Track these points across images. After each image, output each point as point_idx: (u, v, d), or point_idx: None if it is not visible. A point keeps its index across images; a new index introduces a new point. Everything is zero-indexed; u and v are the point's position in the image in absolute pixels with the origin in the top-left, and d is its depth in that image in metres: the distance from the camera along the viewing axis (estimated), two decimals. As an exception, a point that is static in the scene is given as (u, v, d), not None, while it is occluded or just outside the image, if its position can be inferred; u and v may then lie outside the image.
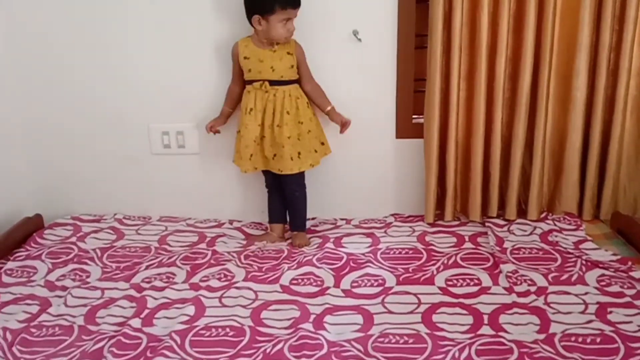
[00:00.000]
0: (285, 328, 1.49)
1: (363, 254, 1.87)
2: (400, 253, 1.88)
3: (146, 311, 1.57)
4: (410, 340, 1.42)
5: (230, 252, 1.92)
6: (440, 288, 1.65)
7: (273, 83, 1.89)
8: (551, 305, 1.53)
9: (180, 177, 2.23)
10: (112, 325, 1.52)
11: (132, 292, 1.68)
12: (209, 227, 2.17)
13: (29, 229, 2.08)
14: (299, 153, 1.94)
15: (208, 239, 2.06)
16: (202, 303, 1.61)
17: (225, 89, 2.04)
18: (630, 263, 1.70)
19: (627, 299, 1.54)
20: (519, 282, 1.64)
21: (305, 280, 1.73)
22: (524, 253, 1.83)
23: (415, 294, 1.63)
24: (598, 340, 1.38)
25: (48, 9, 2.06)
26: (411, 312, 1.54)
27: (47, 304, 1.64)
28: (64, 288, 1.72)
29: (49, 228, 2.11)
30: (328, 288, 1.68)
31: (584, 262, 1.74)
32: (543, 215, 2.07)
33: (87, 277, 1.79)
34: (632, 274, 1.65)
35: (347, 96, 2.05)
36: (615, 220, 2.01)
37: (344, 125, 2.01)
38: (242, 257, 1.89)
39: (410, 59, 2.05)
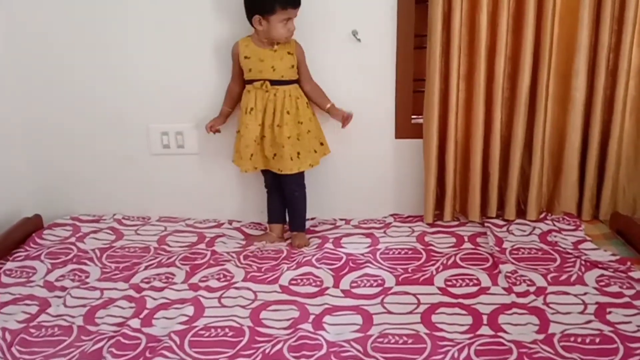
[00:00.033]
0: (285, 328, 1.49)
1: (362, 254, 1.87)
2: (399, 253, 1.88)
3: (145, 311, 1.57)
4: (410, 341, 1.42)
5: (230, 253, 1.92)
6: (439, 288, 1.65)
7: (274, 83, 1.89)
8: (550, 305, 1.54)
9: (180, 177, 2.23)
10: (111, 325, 1.52)
11: (132, 293, 1.68)
12: (208, 227, 2.17)
13: (28, 229, 2.07)
14: (299, 153, 1.94)
15: (207, 239, 2.06)
16: (201, 303, 1.61)
17: (225, 89, 2.04)
18: (629, 263, 1.70)
19: (626, 299, 1.54)
20: (518, 283, 1.64)
21: (305, 280, 1.73)
22: (523, 253, 1.83)
23: (414, 294, 1.63)
24: (597, 340, 1.39)
25: (48, 9, 2.06)
26: (410, 313, 1.54)
27: (46, 304, 1.64)
28: (63, 288, 1.72)
29: (48, 228, 2.10)
30: (327, 288, 1.68)
31: (583, 262, 1.74)
32: (542, 215, 2.07)
33: (86, 277, 1.79)
34: (631, 274, 1.65)
35: (346, 96, 2.05)
36: (614, 221, 2.01)
37: (345, 119, 2.01)
38: (241, 257, 1.89)
39: (409, 59, 2.05)
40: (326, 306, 1.58)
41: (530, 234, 1.96)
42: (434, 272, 1.74)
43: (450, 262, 1.80)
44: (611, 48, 1.90)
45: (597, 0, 1.86)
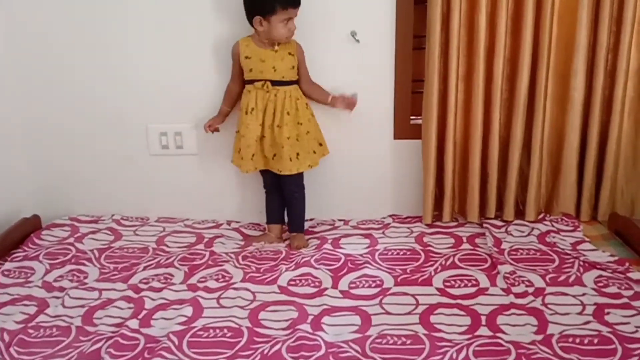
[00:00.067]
0: (283, 329, 1.49)
1: (361, 255, 1.87)
2: (398, 254, 1.88)
3: (144, 312, 1.57)
4: (408, 341, 1.42)
5: (228, 253, 1.92)
6: (438, 289, 1.65)
7: (274, 83, 1.89)
8: (549, 306, 1.54)
9: (179, 177, 2.23)
10: (109, 326, 1.52)
11: (130, 293, 1.68)
12: (206, 227, 2.17)
13: (27, 230, 2.07)
14: (298, 154, 1.94)
15: (206, 239, 2.05)
16: (199, 304, 1.61)
17: (225, 90, 2.04)
18: (627, 264, 1.71)
19: (625, 300, 1.54)
20: (516, 283, 1.64)
21: (303, 281, 1.73)
22: (521, 254, 1.83)
23: (413, 295, 1.63)
24: (595, 341, 1.39)
25: (48, 9, 2.06)
26: (409, 313, 1.54)
27: (45, 304, 1.63)
28: (62, 289, 1.72)
29: (47, 229, 2.10)
30: (326, 289, 1.68)
31: (581, 263, 1.74)
32: (541, 216, 2.07)
33: (85, 278, 1.79)
34: (629, 275, 1.65)
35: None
36: (612, 222, 2.01)
37: (349, 105, 2.00)
38: (240, 258, 1.89)
39: (408, 60, 2.05)
40: (325, 307, 1.58)
41: (528, 234, 1.96)
42: (433, 273, 1.74)
43: (448, 262, 1.80)
44: (610, 48, 1.90)
45: (595, 1, 1.86)
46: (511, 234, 1.97)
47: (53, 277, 1.79)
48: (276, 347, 1.41)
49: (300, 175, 2.01)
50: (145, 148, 2.20)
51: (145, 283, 1.74)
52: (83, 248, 1.98)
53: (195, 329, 1.49)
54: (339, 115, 2.08)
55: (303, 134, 1.95)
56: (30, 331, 1.50)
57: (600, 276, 1.67)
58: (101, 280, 1.77)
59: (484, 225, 2.03)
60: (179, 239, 2.07)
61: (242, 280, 1.73)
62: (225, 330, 1.49)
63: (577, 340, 1.39)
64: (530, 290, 1.61)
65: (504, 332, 1.44)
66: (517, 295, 1.59)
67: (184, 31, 2.05)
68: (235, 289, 1.69)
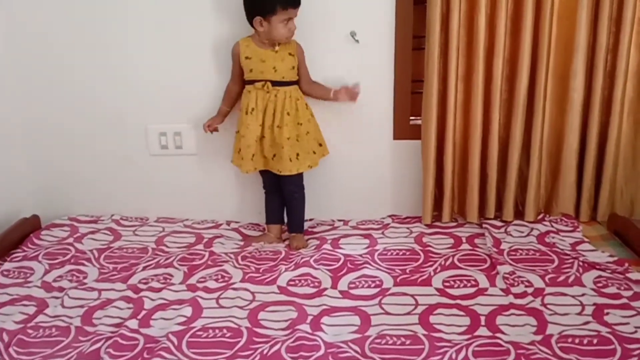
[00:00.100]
0: (283, 329, 1.49)
1: (360, 255, 1.87)
2: (397, 254, 1.88)
3: (143, 312, 1.57)
4: (408, 342, 1.42)
5: (228, 253, 1.92)
6: (437, 289, 1.65)
7: (275, 84, 1.89)
8: (548, 306, 1.54)
9: (178, 178, 2.23)
10: (109, 326, 1.52)
11: (129, 293, 1.68)
12: (206, 228, 2.17)
13: (26, 230, 2.07)
14: (298, 154, 1.94)
15: (205, 240, 2.05)
16: (199, 304, 1.61)
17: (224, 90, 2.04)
18: (626, 264, 1.71)
19: (624, 300, 1.54)
20: (516, 284, 1.64)
21: (303, 281, 1.73)
22: (521, 254, 1.83)
23: (412, 295, 1.63)
24: (595, 341, 1.39)
25: (48, 9, 2.06)
26: (408, 314, 1.54)
27: (44, 305, 1.63)
28: (61, 289, 1.72)
29: (46, 229, 2.10)
30: (325, 289, 1.68)
31: (580, 263, 1.74)
32: (540, 216, 2.07)
33: (84, 278, 1.79)
34: (628, 275, 1.65)
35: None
36: (612, 222, 2.01)
37: (353, 95, 1.99)
38: (239, 258, 1.89)
39: (407, 61, 2.05)
40: (324, 307, 1.58)
41: (528, 235, 1.96)
42: (432, 273, 1.74)
43: (448, 263, 1.80)
44: (609, 49, 1.90)
45: (595, 1, 1.87)
46: (510, 235, 1.97)
47: (52, 277, 1.79)
48: (275, 347, 1.41)
49: (300, 176, 2.01)
50: (145, 148, 2.20)
51: (145, 283, 1.74)
52: (82, 248, 1.98)
53: (195, 329, 1.49)
54: (338, 116, 2.09)
55: (303, 134, 1.95)
56: (30, 331, 1.50)
57: (600, 276, 1.67)
58: (100, 280, 1.77)
59: (484, 225, 2.04)
60: (179, 239, 2.07)
61: (242, 281, 1.73)
62: (225, 331, 1.49)
63: (577, 341, 1.39)
64: (530, 290, 1.61)
65: (503, 333, 1.44)
66: (517, 296, 1.59)
67: (183, 31, 2.05)
68: (234, 289, 1.69)
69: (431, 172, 2.03)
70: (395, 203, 2.21)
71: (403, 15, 2.00)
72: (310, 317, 1.53)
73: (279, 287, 1.70)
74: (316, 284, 1.71)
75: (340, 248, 1.92)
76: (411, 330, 1.46)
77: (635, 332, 1.41)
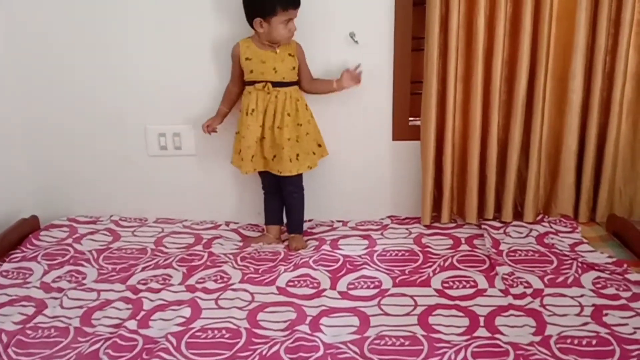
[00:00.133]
0: (282, 330, 1.49)
1: (359, 256, 1.87)
2: (396, 255, 1.88)
3: (142, 313, 1.57)
4: (407, 342, 1.42)
5: (227, 254, 1.92)
6: (436, 290, 1.66)
7: (275, 85, 1.89)
8: (547, 307, 1.54)
9: (177, 178, 2.23)
10: (108, 327, 1.52)
11: (128, 294, 1.68)
12: (205, 228, 2.17)
13: (25, 231, 2.07)
14: (297, 155, 1.94)
15: (204, 240, 2.05)
16: (198, 305, 1.61)
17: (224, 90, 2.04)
18: (625, 265, 1.71)
19: (623, 301, 1.54)
20: (515, 284, 1.64)
21: (302, 282, 1.73)
22: (520, 255, 1.84)
23: (411, 296, 1.63)
24: (594, 342, 1.39)
25: (48, 9, 2.06)
26: (407, 314, 1.54)
27: (43, 305, 1.63)
28: (60, 290, 1.72)
29: (45, 229, 2.10)
30: (324, 290, 1.68)
31: (579, 264, 1.75)
32: (539, 217, 2.07)
33: (83, 278, 1.79)
34: (627, 276, 1.65)
35: (344, 97, 2.05)
36: (611, 223, 2.01)
37: (357, 79, 1.98)
38: (238, 258, 1.89)
39: (407, 62, 2.05)
40: (323, 308, 1.58)
41: (527, 236, 1.97)
42: (431, 274, 1.74)
43: (447, 264, 1.80)
44: (608, 51, 1.91)
45: (594, 3, 1.87)
46: (509, 235, 1.97)
47: (51, 278, 1.78)
48: (274, 348, 1.41)
49: (299, 177, 2.01)
50: (144, 149, 2.20)
51: (144, 284, 1.74)
52: (81, 249, 1.98)
53: (194, 330, 1.49)
54: (338, 117, 2.09)
55: (303, 135, 1.95)
56: (29, 332, 1.50)
57: (599, 277, 1.67)
58: (99, 281, 1.77)
59: (483, 226, 2.04)
60: (178, 240, 2.07)
61: (241, 281, 1.73)
62: (224, 331, 1.49)
63: (575, 342, 1.39)
64: (529, 291, 1.61)
65: (502, 333, 1.44)
66: (516, 297, 1.59)
67: (183, 31, 2.05)
68: (233, 289, 1.69)
69: (430, 173, 2.03)
70: (394, 204, 2.21)
71: (402, 16, 2.00)
72: (309, 318, 1.53)
73: (278, 287, 1.70)
74: (315, 284, 1.71)
75: (339, 249, 1.92)
76: (410, 331, 1.46)
77: (634, 333, 1.41)
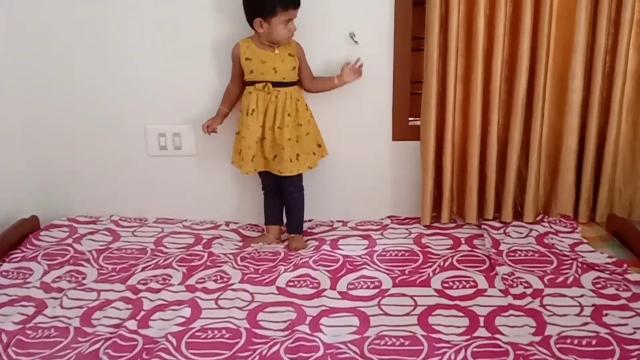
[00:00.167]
0: (282, 330, 1.49)
1: (359, 256, 1.87)
2: (396, 255, 1.88)
3: (142, 313, 1.57)
4: (407, 342, 1.42)
5: (227, 254, 1.92)
6: (436, 290, 1.66)
7: (275, 85, 1.89)
8: (547, 307, 1.54)
9: (177, 178, 2.23)
10: (107, 327, 1.52)
11: (128, 294, 1.68)
12: (205, 228, 2.17)
13: (25, 231, 2.07)
14: (298, 155, 1.94)
15: (204, 240, 2.05)
16: (198, 305, 1.61)
17: (224, 91, 2.04)
18: (625, 265, 1.71)
19: (623, 301, 1.54)
20: (514, 285, 1.64)
21: (302, 282, 1.73)
22: (520, 255, 1.84)
23: (411, 296, 1.63)
24: (593, 342, 1.39)
25: (48, 9, 2.06)
26: (407, 314, 1.54)
27: (43, 305, 1.63)
28: (60, 290, 1.72)
29: (45, 229, 2.10)
30: (324, 290, 1.68)
31: (579, 264, 1.75)
32: (539, 217, 2.07)
33: (83, 278, 1.79)
34: (627, 276, 1.65)
35: (344, 98, 2.05)
36: (610, 223, 2.01)
37: (358, 73, 1.97)
38: (238, 259, 1.89)
39: (406, 62, 2.05)
40: (323, 308, 1.58)
41: (527, 236, 1.96)
42: (431, 274, 1.74)
43: (447, 264, 1.80)
44: (608, 50, 1.91)
45: (593, 2, 1.87)
46: (509, 235, 1.97)
47: (51, 278, 1.79)
48: (274, 348, 1.41)
49: (299, 177, 2.01)
50: (144, 149, 2.20)
51: (144, 284, 1.74)
52: (81, 249, 1.98)
53: (194, 330, 1.49)
54: (337, 117, 2.09)
55: (303, 135, 1.95)
56: (29, 332, 1.50)
57: (599, 277, 1.67)
58: (99, 281, 1.77)
59: (482, 226, 2.04)
60: (178, 240, 2.07)
61: (241, 281, 1.73)
62: (224, 331, 1.49)
63: (575, 342, 1.39)
64: (529, 291, 1.61)
65: (502, 334, 1.44)
66: (516, 297, 1.59)
67: (183, 31, 2.05)
68: (233, 290, 1.69)
69: (430, 173, 2.03)
70: (394, 204, 2.21)
71: (402, 17, 2.00)
72: (309, 318, 1.53)
73: (278, 287, 1.70)
74: (315, 284, 1.71)
75: (339, 249, 1.92)
76: (410, 331, 1.47)
77: (634, 333, 1.41)
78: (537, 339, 1.41)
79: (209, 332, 1.49)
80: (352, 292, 1.67)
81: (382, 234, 2.05)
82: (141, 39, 2.07)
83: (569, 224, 2.03)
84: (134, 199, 2.26)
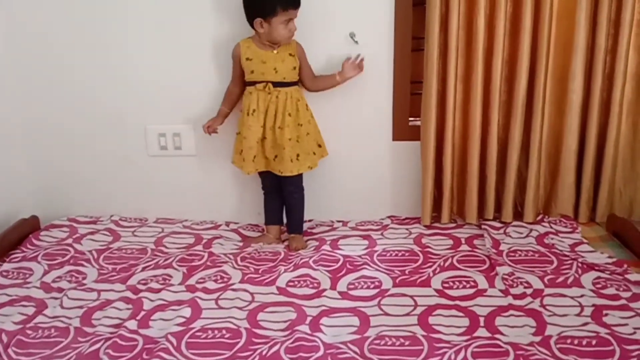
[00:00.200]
0: (282, 330, 1.49)
1: (359, 256, 1.87)
2: (396, 255, 1.88)
3: (142, 313, 1.57)
4: (407, 343, 1.42)
5: (227, 254, 1.92)
6: (436, 290, 1.66)
7: (276, 85, 1.89)
8: (547, 307, 1.54)
9: (177, 178, 2.23)
10: (108, 327, 1.52)
11: (128, 294, 1.68)
12: (205, 228, 2.17)
13: (25, 231, 2.07)
14: (298, 155, 1.94)
15: (204, 240, 2.05)
16: (198, 305, 1.61)
17: (224, 91, 2.03)
18: (625, 265, 1.71)
19: (623, 301, 1.54)
20: (515, 285, 1.64)
21: (302, 282, 1.73)
22: (520, 255, 1.84)
23: (411, 296, 1.63)
24: (594, 342, 1.39)
25: (48, 9, 2.06)
26: (407, 314, 1.54)
27: (43, 305, 1.63)
28: (60, 290, 1.72)
29: (45, 229, 2.10)
30: (324, 290, 1.68)
31: (579, 264, 1.75)
32: (539, 217, 2.07)
33: (83, 278, 1.79)
34: (627, 276, 1.65)
35: (344, 98, 2.05)
36: (611, 223, 2.01)
37: (360, 67, 1.97)
38: (238, 259, 1.89)
39: (407, 62, 2.05)
40: (323, 308, 1.58)
41: (527, 236, 1.97)
42: (431, 274, 1.74)
43: (447, 264, 1.80)
44: (608, 51, 1.91)
45: (594, 3, 1.87)
46: (509, 236, 1.97)
47: (51, 278, 1.79)
48: (274, 348, 1.41)
49: (299, 177, 2.02)
50: (144, 149, 2.20)
51: (144, 284, 1.74)
52: (81, 249, 1.98)
53: (194, 330, 1.49)
54: (338, 117, 2.09)
55: (303, 135, 1.95)
56: (29, 332, 1.50)
57: (599, 278, 1.67)
58: (100, 281, 1.77)
59: (483, 226, 2.04)
60: (178, 240, 2.07)
61: (241, 281, 1.73)
62: (224, 331, 1.49)
63: (575, 342, 1.39)
64: (529, 291, 1.61)
65: (502, 334, 1.44)
66: (516, 297, 1.59)
67: (183, 31, 2.05)
68: (233, 290, 1.69)
69: (430, 173, 2.03)
70: (394, 204, 2.21)
71: (402, 16, 2.00)
72: (309, 318, 1.53)
73: (278, 288, 1.70)
74: (315, 284, 1.71)
75: (339, 249, 1.92)
76: (410, 331, 1.47)
77: (634, 333, 1.41)
78: (537, 339, 1.41)
79: (209, 332, 1.49)
80: (352, 292, 1.67)
81: (382, 234, 2.05)
82: (141, 39, 2.07)
83: (569, 224, 2.03)
84: (134, 199, 2.26)
